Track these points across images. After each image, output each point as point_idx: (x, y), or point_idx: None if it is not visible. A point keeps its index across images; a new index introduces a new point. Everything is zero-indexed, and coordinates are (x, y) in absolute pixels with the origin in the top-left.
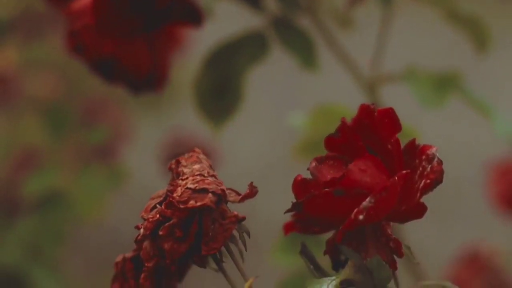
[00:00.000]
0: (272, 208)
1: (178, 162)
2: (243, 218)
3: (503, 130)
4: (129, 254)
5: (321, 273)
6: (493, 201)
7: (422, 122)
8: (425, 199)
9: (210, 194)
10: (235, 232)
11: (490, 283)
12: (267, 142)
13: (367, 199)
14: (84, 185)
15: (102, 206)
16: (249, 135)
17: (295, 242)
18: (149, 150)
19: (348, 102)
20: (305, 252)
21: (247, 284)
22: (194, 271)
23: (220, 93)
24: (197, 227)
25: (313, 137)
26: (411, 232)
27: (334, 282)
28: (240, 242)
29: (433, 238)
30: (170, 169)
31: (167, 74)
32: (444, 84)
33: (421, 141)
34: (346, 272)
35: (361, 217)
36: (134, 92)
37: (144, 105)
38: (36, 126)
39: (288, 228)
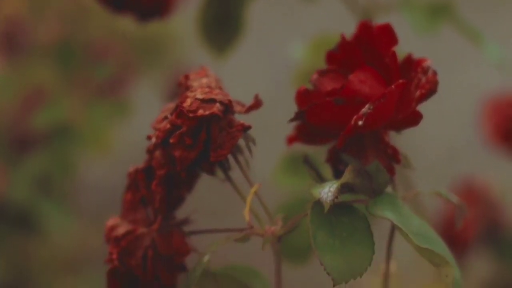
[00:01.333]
0: (269, 141)
1: (187, 77)
2: (249, 127)
3: (494, 57)
4: (141, 166)
5: (323, 181)
6: (488, 136)
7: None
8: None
9: (217, 104)
10: (241, 141)
11: (485, 216)
12: (267, 73)
13: (366, 106)
14: (91, 119)
15: (108, 139)
16: (249, 67)
17: (295, 165)
18: (153, 87)
19: (345, 32)
20: (308, 162)
21: (252, 190)
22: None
23: (222, 24)
24: (205, 135)
25: (312, 66)
26: None
27: (335, 185)
28: (246, 150)
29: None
30: (180, 84)
31: (173, 1)
32: (438, 12)
33: None
34: (346, 176)
35: (360, 122)
36: (141, 19)
37: (146, 46)
38: (45, 66)
39: (291, 140)
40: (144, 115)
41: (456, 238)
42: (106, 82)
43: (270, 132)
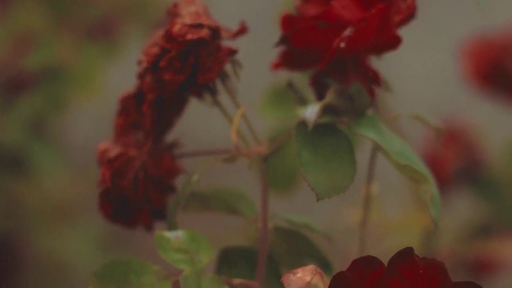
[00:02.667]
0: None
1: (176, 6)
2: (236, 51)
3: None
4: (132, 91)
5: (306, 103)
6: (469, 78)
7: None
8: None
9: (205, 29)
10: (229, 67)
11: (464, 155)
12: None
13: (348, 29)
14: (81, 61)
15: (98, 82)
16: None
17: (282, 97)
18: (146, 30)
19: None
20: (291, 86)
21: (239, 112)
22: None
23: None
24: (194, 59)
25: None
26: None
27: (318, 106)
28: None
29: None
30: (169, 12)
31: None
32: None
33: None
34: (328, 97)
35: (342, 44)
36: None
37: None
38: (34, 9)
39: (276, 66)
40: (134, 60)
41: (435, 177)
42: (97, 24)
43: (257, 61)
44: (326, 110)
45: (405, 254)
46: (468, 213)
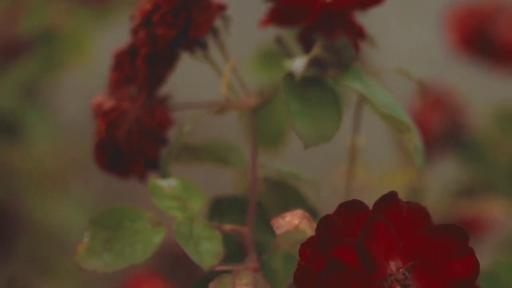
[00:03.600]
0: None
1: None
2: (226, 7)
3: None
4: (125, 47)
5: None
6: (453, 45)
7: None
8: None
9: None
10: (219, 22)
11: (449, 120)
12: None
13: None
14: (75, 24)
15: (91, 46)
16: None
17: (270, 58)
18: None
19: None
20: (280, 41)
21: (229, 65)
22: None
23: None
24: (185, 15)
25: None
26: None
27: (305, 59)
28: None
29: None
30: None
31: None
32: None
33: None
34: (315, 51)
35: (328, 0)
36: None
37: None
38: None
39: (264, 23)
40: (126, 25)
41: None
42: None
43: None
44: (313, 62)
45: (389, 198)
46: (452, 175)
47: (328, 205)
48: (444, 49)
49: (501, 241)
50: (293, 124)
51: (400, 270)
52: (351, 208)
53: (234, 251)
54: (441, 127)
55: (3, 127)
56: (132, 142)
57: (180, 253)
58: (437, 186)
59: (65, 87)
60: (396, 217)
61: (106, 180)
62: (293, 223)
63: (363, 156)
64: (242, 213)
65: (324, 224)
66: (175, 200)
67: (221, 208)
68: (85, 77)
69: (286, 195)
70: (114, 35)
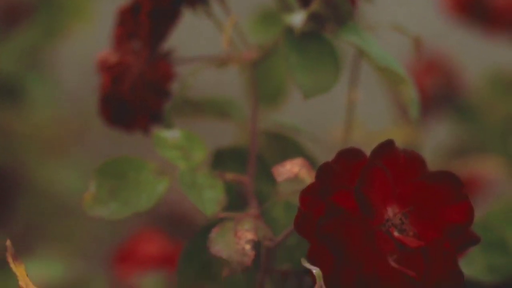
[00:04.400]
0: None
1: None
2: None
3: None
4: (129, 4)
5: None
6: (448, 9)
7: None
8: None
9: None
10: None
11: (443, 83)
12: None
13: None
14: None
15: (93, 12)
16: None
17: (269, 18)
18: None
19: None
20: None
21: (230, 20)
22: None
23: None
24: None
25: None
26: None
27: (303, 14)
28: None
29: None
30: None
31: None
32: None
33: None
34: (314, 6)
35: None
36: None
37: None
38: None
39: None
40: None
41: None
42: None
43: None
44: (312, 17)
45: (387, 146)
46: (446, 136)
47: (326, 159)
48: (439, 13)
49: (494, 199)
50: (294, 76)
51: (397, 216)
52: (349, 156)
53: (236, 201)
54: (435, 90)
55: (4, 92)
56: (136, 96)
57: (177, 212)
58: (431, 147)
59: (65, 54)
60: (393, 164)
61: (105, 146)
62: (293, 170)
63: (359, 113)
64: (243, 164)
65: (323, 171)
66: (178, 150)
67: (222, 159)
68: (86, 44)
69: (286, 148)
70: (114, 1)
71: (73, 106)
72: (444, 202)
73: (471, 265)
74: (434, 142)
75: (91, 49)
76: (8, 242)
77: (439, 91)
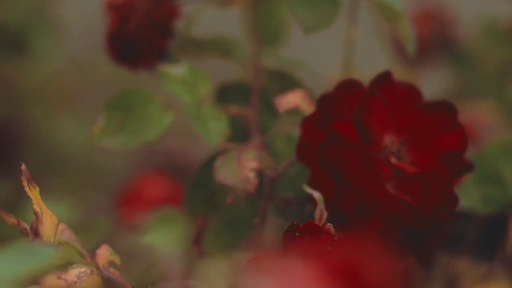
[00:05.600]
0: None
1: None
2: None
3: None
4: None
5: None
6: None
7: None
8: None
9: None
10: None
11: (439, 32)
12: None
13: None
14: None
15: None
16: None
17: None
18: None
19: None
20: None
21: None
22: None
23: None
24: None
25: None
26: None
27: None
28: None
29: None
30: None
31: None
32: None
33: None
34: None
35: None
36: None
37: None
38: None
39: None
40: None
41: None
42: None
43: None
44: None
45: (384, 77)
46: (442, 84)
47: None
48: None
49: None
50: (294, 11)
51: (394, 143)
52: (348, 86)
53: (239, 135)
54: (432, 39)
55: (10, 44)
56: (142, 34)
57: (178, 162)
58: (427, 94)
59: (71, 7)
60: (391, 94)
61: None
62: (294, 101)
63: (357, 56)
64: (245, 99)
65: (323, 101)
66: (183, 85)
67: (226, 95)
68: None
69: (287, 84)
70: None
71: (77, 59)
72: (439, 130)
73: (467, 196)
74: (430, 89)
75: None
76: (23, 166)
77: (435, 40)
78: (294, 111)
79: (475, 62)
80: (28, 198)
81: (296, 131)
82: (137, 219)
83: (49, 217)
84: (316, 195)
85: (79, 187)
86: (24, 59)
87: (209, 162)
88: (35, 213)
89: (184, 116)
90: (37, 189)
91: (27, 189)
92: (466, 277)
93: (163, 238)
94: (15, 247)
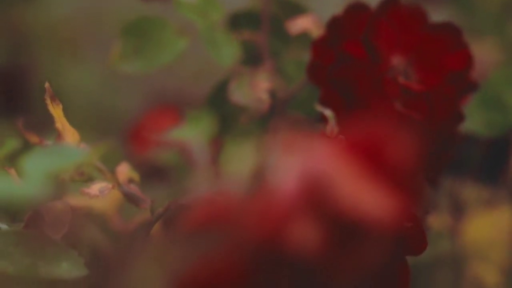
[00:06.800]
0: None
1: None
2: None
3: None
4: None
5: None
6: None
7: None
8: None
9: None
10: None
11: None
12: None
13: None
14: None
15: None
16: None
17: None
18: None
19: None
20: None
21: None
22: None
23: None
24: None
25: None
26: None
27: None
28: None
29: None
30: None
31: None
32: None
33: None
34: None
35: None
36: None
37: None
38: None
39: None
40: None
41: None
42: None
43: None
44: None
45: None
46: None
47: None
48: None
49: None
50: None
51: (402, 64)
52: (356, 8)
53: (251, 60)
54: None
55: None
56: None
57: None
58: None
59: None
60: (398, 16)
61: None
62: (304, 25)
63: None
64: (257, 26)
65: (333, 23)
66: (197, 11)
67: (238, 21)
68: None
69: (296, 13)
70: None
71: (85, 6)
72: (445, 51)
73: (470, 120)
74: None
75: None
76: (46, 84)
77: None
78: (303, 38)
79: (476, 0)
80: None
81: (306, 57)
82: (148, 153)
83: (71, 134)
84: (328, 112)
85: (87, 129)
86: (32, 4)
87: (223, 85)
88: (58, 131)
89: (197, 42)
90: (60, 106)
91: (50, 107)
92: (470, 202)
93: (190, 131)
94: (44, 148)
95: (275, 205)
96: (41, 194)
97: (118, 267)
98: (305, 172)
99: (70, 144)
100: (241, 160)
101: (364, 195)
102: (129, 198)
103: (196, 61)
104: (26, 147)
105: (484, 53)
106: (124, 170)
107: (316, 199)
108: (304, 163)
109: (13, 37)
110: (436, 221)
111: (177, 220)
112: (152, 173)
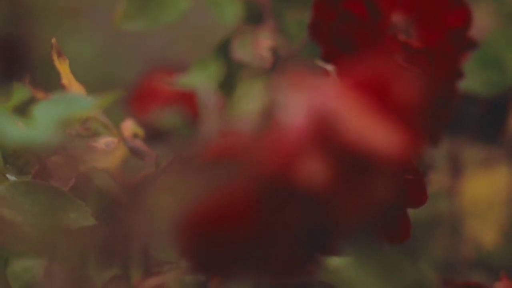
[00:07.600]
0: None
1: None
2: None
3: None
4: None
5: None
6: None
7: None
8: None
9: None
10: None
11: None
12: None
13: None
14: None
15: None
16: None
17: None
18: None
19: None
20: None
21: None
22: None
23: None
24: None
25: None
26: None
27: None
28: None
29: None
30: None
31: None
32: None
33: None
34: None
35: None
36: None
37: None
38: None
39: None
40: None
41: None
42: None
43: None
44: None
45: None
46: None
47: None
48: None
49: None
50: None
51: (402, 22)
52: None
53: (254, 21)
54: None
55: None
56: None
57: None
58: None
59: None
60: None
61: None
62: None
63: None
64: None
65: None
66: None
67: None
68: None
69: None
70: None
71: None
72: (444, 9)
73: (469, 79)
74: None
75: None
76: (53, 40)
77: None
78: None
79: None
80: None
81: (307, 16)
82: (151, 115)
83: (78, 90)
84: (329, 67)
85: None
86: None
87: (226, 43)
88: (64, 86)
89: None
90: (67, 62)
91: (56, 62)
92: (469, 161)
93: (197, 77)
94: (55, 97)
95: (285, 141)
96: (50, 141)
97: (126, 212)
98: (313, 108)
99: (79, 94)
100: (251, 99)
101: (370, 130)
102: (135, 152)
103: (196, 29)
104: (32, 101)
105: (481, 18)
106: (129, 126)
107: (324, 135)
108: (312, 100)
109: (12, 7)
110: (435, 181)
111: (190, 154)
112: (154, 136)
